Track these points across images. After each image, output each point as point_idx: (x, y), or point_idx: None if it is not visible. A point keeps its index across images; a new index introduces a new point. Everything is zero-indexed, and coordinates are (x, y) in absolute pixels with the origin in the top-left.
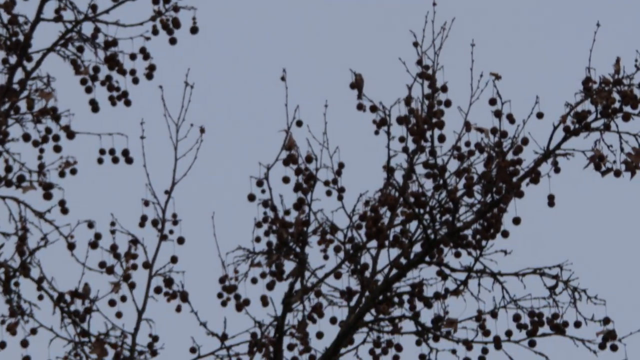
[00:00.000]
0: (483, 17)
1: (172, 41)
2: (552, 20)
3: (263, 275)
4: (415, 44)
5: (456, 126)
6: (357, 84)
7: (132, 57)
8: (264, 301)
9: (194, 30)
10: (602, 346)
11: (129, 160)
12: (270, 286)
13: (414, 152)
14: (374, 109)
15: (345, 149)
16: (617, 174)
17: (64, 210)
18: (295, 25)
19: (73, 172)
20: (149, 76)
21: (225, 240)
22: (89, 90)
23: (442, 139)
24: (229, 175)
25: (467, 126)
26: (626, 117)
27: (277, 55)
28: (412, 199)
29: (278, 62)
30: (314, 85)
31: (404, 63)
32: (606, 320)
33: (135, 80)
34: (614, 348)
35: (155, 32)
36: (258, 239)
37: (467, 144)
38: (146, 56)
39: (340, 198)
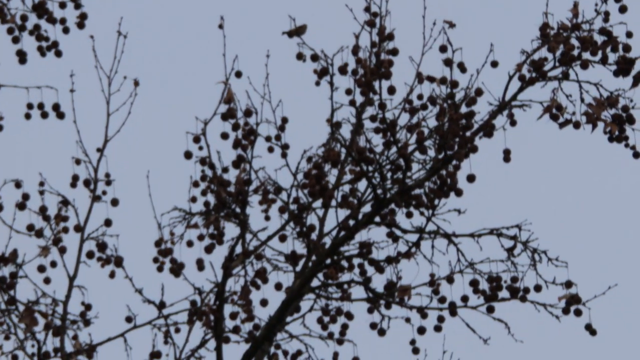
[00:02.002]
0: None
1: None
2: None
3: (200, 237)
4: None
5: (408, 78)
6: (297, 31)
7: (62, 5)
8: (200, 265)
9: None
10: (565, 311)
11: (60, 115)
12: (208, 249)
13: (362, 105)
14: (315, 58)
15: (288, 101)
16: (577, 125)
17: None
18: None
19: None
20: (81, 25)
21: (161, 200)
22: (16, 40)
23: (391, 90)
24: (165, 131)
25: (419, 77)
26: (585, 65)
27: (214, 2)
28: (359, 156)
29: (215, 9)
30: (253, 34)
31: (351, 10)
32: (568, 284)
33: (66, 30)
34: (577, 313)
35: None
36: (194, 199)
37: (420, 96)
38: (77, 5)
39: (283, 155)
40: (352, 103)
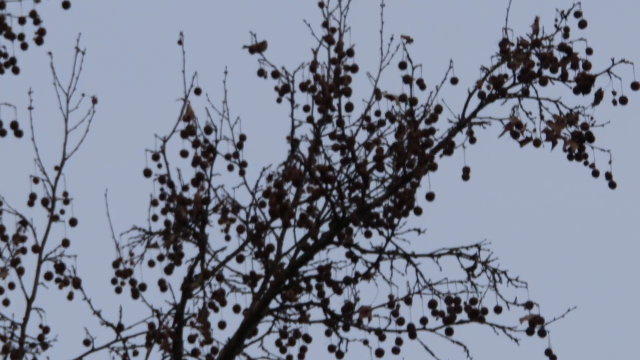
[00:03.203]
0: None
1: (66, 5)
2: None
3: (160, 257)
4: (321, 5)
5: (366, 94)
6: (258, 47)
7: (22, 21)
8: (162, 286)
9: None
10: (529, 332)
11: (19, 134)
12: (168, 270)
13: (320, 123)
14: (276, 74)
15: (247, 119)
16: (537, 143)
17: None
18: None
19: None
20: (39, 41)
21: (119, 220)
22: None
23: (350, 107)
24: (124, 149)
25: (377, 94)
26: (545, 82)
27: (173, 18)
28: (318, 174)
29: (175, 25)
30: (213, 50)
31: (309, 25)
32: (529, 305)
33: (25, 46)
34: (542, 334)
35: None
36: (155, 218)
37: (378, 113)
38: (36, 21)
39: (242, 173)
40: (310, 120)
